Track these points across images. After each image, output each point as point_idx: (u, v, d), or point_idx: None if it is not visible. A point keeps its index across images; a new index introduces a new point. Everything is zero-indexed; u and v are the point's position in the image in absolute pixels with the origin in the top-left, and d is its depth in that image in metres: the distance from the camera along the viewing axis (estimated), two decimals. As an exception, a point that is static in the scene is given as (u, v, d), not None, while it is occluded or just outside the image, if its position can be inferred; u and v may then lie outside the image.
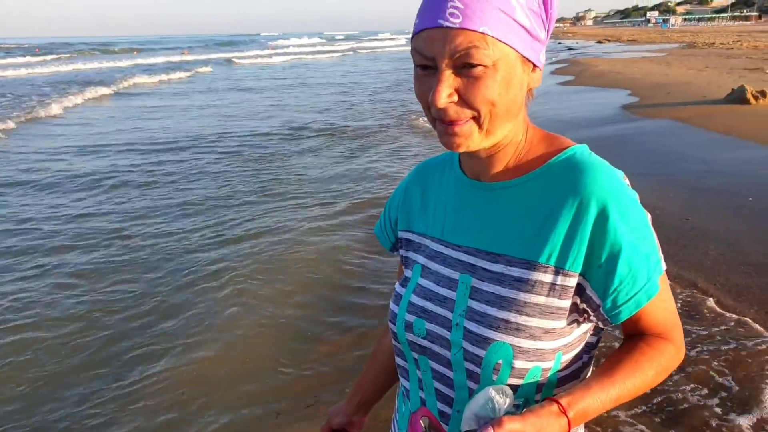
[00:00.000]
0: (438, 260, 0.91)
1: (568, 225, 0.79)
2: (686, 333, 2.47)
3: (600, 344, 0.92)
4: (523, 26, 0.75)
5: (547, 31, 0.81)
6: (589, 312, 0.82)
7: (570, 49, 36.19)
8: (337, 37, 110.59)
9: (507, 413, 0.75)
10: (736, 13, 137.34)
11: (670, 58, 21.17)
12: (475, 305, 0.83)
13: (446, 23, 0.73)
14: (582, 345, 0.86)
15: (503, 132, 0.81)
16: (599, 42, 43.68)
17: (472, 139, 0.78)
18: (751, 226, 4.53)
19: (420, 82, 0.79)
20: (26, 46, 61.57)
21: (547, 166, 0.84)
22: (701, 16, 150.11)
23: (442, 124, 0.78)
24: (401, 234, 1.01)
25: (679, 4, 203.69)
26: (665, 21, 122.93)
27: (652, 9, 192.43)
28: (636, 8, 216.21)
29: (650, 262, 0.79)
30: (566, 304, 0.80)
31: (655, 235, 0.82)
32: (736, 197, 5.18)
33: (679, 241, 4.28)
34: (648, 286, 0.79)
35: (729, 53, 22.42)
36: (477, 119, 0.77)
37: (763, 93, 9.38)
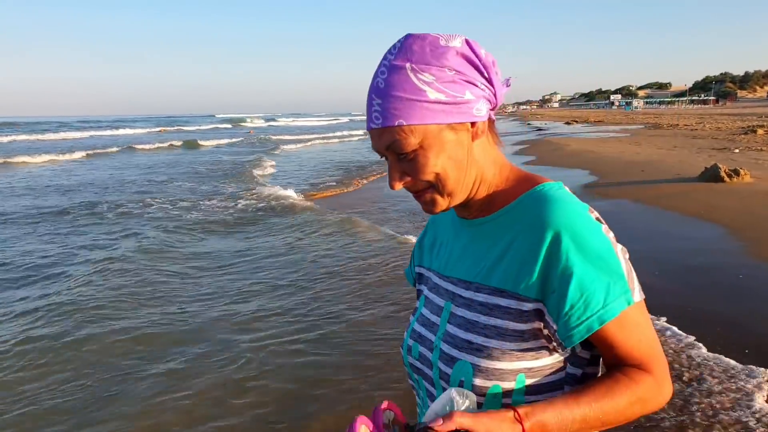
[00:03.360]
0: (434, 291, 1.04)
1: (524, 252, 0.87)
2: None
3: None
4: (438, 101, 0.86)
5: (489, 81, 0.90)
6: (551, 337, 0.87)
7: (539, 129, 37.98)
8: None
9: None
10: (694, 97, 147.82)
11: (639, 138, 22.31)
12: (450, 328, 0.95)
13: (373, 125, 0.89)
14: (558, 375, 0.90)
15: (467, 185, 0.93)
16: (567, 123, 45.97)
17: (438, 203, 0.93)
18: (752, 304, 4.51)
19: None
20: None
21: (518, 200, 0.93)
22: (662, 99, 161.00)
23: (414, 195, 0.94)
24: (417, 269, 1.15)
25: (640, 88, 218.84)
26: (628, 104, 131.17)
27: (615, 92, 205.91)
28: (600, 91, 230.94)
29: (610, 290, 0.83)
30: (523, 327, 0.87)
31: (624, 265, 0.86)
32: (727, 276, 5.20)
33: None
34: (602, 311, 0.83)
35: (694, 134, 23.79)
36: (435, 188, 0.91)
37: (736, 171, 9.81)
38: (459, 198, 0.93)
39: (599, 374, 0.93)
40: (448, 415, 0.78)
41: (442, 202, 0.92)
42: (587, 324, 0.83)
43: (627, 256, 0.88)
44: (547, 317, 0.86)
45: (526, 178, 0.97)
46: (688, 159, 13.67)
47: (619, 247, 0.88)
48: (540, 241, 0.85)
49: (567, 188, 0.94)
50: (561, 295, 0.84)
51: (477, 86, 0.89)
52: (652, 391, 0.86)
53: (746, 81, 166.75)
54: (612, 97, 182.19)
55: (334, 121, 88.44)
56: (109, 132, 47.04)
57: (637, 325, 0.86)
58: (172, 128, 57.46)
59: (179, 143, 31.83)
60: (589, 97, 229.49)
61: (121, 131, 48.28)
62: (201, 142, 32.37)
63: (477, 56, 0.89)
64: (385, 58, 0.89)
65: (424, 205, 0.94)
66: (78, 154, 23.82)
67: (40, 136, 39.44)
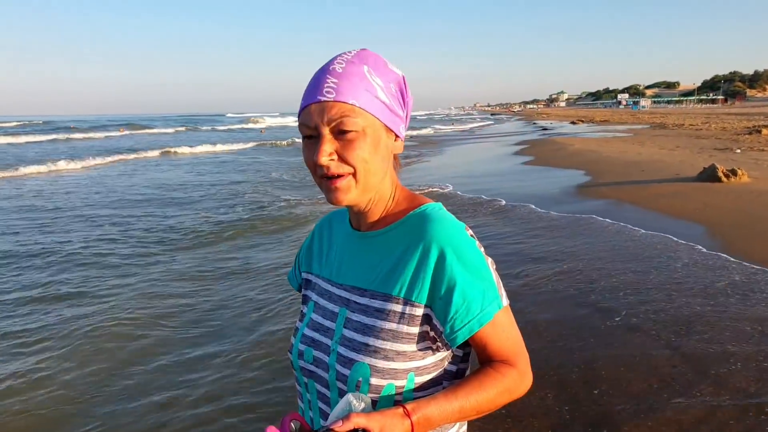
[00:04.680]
0: (325, 297, 1.11)
1: (415, 264, 0.99)
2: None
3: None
4: (383, 103, 0.99)
5: (406, 114, 1.05)
6: (437, 338, 0.99)
7: (545, 129, 37.89)
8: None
9: None
10: (703, 97, 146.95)
11: (643, 138, 22.34)
12: (347, 333, 1.03)
13: (323, 98, 0.95)
14: (439, 371, 1.02)
15: (376, 187, 1.02)
16: (573, 123, 45.72)
17: (350, 193, 0.99)
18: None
19: (307, 150, 0.99)
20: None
21: (406, 218, 1.05)
22: (669, 98, 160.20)
23: (326, 181, 0.98)
24: (304, 275, 1.22)
25: (648, 87, 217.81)
26: (635, 103, 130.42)
27: (622, 91, 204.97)
28: (607, 90, 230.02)
29: (485, 297, 0.97)
30: (414, 330, 0.99)
31: (494, 276, 1.00)
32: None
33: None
34: (480, 315, 0.97)
35: (698, 134, 23.81)
36: (354, 175, 0.97)
37: (733, 171, 9.93)
38: (368, 195, 1.02)
39: (467, 368, 1.07)
40: (346, 417, 0.89)
41: (354, 192, 0.99)
42: (469, 326, 0.97)
43: (494, 267, 1.02)
44: (435, 321, 0.98)
45: (412, 199, 1.09)
46: (689, 159, 13.76)
47: (490, 260, 1.02)
48: (427, 256, 0.97)
49: (445, 209, 1.07)
50: (447, 301, 0.96)
51: (402, 111, 1.04)
52: (516, 382, 1.00)
53: (756, 80, 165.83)
54: (619, 96, 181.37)
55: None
56: (147, 131, 47.96)
57: (505, 326, 1.00)
58: (206, 128, 57.05)
59: (234, 146, 29.53)
60: (596, 96, 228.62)
61: (156, 130, 49.14)
62: (243, 145, 30.42)
63: (406, 91, 1.04)
64: (340, 55, 1.00)
65: (335, 192, 0.98)
66: (156, 152, 24.86)
67: (87, 135, 40.00)
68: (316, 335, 1.08)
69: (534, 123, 51.94)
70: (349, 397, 0.94)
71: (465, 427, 1.12)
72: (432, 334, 0.99)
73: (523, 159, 17.00)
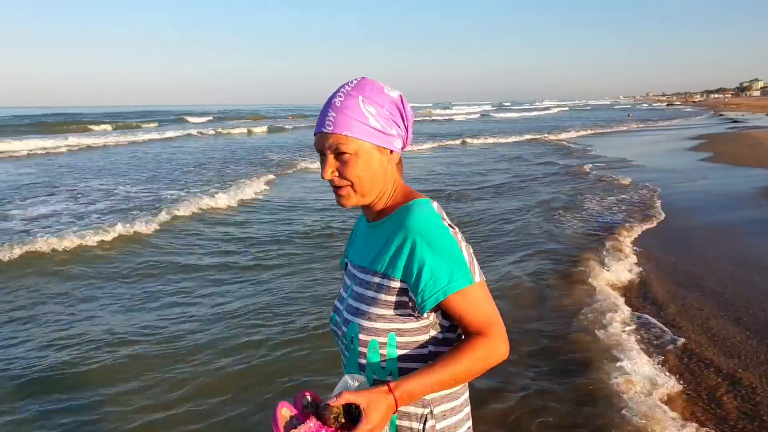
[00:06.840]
0: (348, 274, 1.44)
1: (395, 248, 1.25)
2: None
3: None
4: (374, 128, 1.27)
5: (406, 127, 1.33)
6: (415, 308, 1.23)
7: (735, 121, 33.78)
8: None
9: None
10: None
11: None
12: (350, 300, 1.34)
13: (325, 130, 1.27)
14: (423, 336, 1.27)
15: (374, 193, 1.32)
16: (771, 115, 39.99)
17: (351, 199, 1.30)
18: None
19: (321, 165, 1.31)
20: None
21: (397, 211, 1.32)
22: None
23: (333, 189, 1.31)
24: (345, 259, 1.53)
25: None
26: None
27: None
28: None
29: (453, 273, 1.20)
30: (391, 298, 1.25)
31: (466, 257, 1.22)
32: None
33: None
34: (447, 287, 1.19)
35: None
36: (353, 186, 1.28)
37: None
38: (368, 199, 1.31)
39: (455, 337, 1.30)
40: (339, 394, 1.15)
41: (354, 198, 1.30)
42: (436, 296, 1.20)
43: (471, 250, 1.26)
44: (410, 293, 1.23)
45: (408, 195, 1.35)
46: None
47: (464, 244, 1.25)
48: (404, 242, 1.23)
49: (433, 204, 1.31)
50: (418, 277, 1.20)
51: (399, 127, 1.31)
52: (488, 350, 1.19)
53: None
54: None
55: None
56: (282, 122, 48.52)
57: (477, 299, 1.22)
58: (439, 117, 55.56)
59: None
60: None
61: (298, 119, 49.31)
62: (518, 138, 26.82)
63: (404, 108, 1.31)
64: (343, 87, 1.29)
65: (339, 198, 1.31)
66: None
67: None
68: (338, 303, 1.42)
69: (720, 115, 46.43)
70: (346, 377, 1.18)
71: (470, 423, 1.36)
72: (410, 304, 1.24)
73: (698, 156, 15.60)
